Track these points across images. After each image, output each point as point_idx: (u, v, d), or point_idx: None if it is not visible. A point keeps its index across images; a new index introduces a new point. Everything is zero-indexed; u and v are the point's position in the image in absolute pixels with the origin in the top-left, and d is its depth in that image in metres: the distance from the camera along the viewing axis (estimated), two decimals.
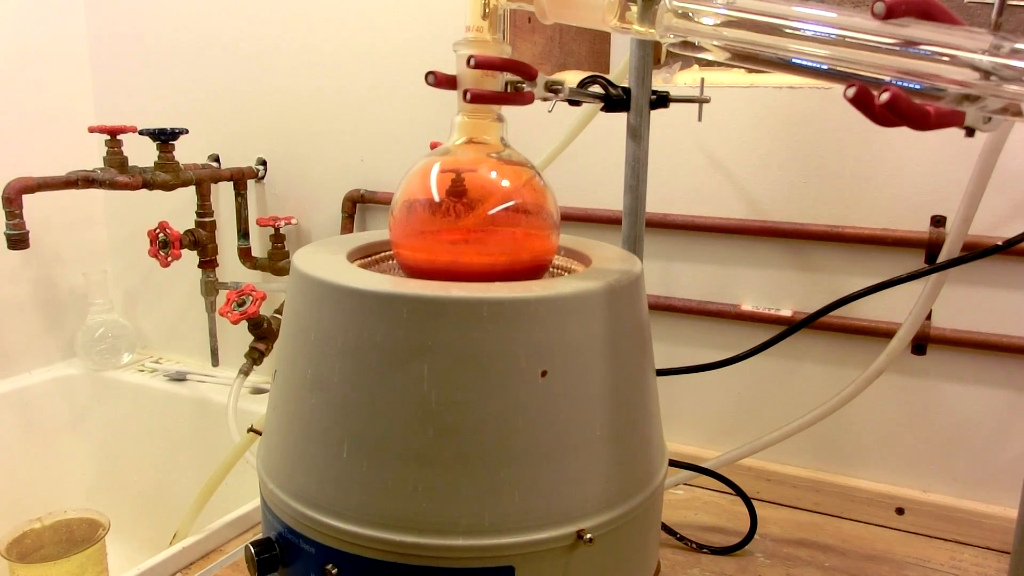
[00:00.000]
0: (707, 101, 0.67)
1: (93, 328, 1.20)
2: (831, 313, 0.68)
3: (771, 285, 0.81)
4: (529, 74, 0.47)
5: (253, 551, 0.44)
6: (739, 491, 0.73)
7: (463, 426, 0.40)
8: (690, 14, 0.38)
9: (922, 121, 0.31)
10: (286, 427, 0.45)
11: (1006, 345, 0.72)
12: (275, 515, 0.45)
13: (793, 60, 0.35)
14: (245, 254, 1.10)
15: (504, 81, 0.47)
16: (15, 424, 1.13)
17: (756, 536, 0.73)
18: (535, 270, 0.48)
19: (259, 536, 0.46)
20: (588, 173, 0.88)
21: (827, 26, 0.33)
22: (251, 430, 0.83)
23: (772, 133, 0.78)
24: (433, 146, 0.84)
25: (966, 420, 0.75)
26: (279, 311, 1.04)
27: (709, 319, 0.85)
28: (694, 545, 0.73)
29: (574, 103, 0.61)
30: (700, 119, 0.70)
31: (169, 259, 0.99)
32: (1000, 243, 0.61)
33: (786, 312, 0.81)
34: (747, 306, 0.82)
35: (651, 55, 0.62)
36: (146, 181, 0.93)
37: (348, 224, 1.03)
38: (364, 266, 0.50)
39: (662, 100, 0.63)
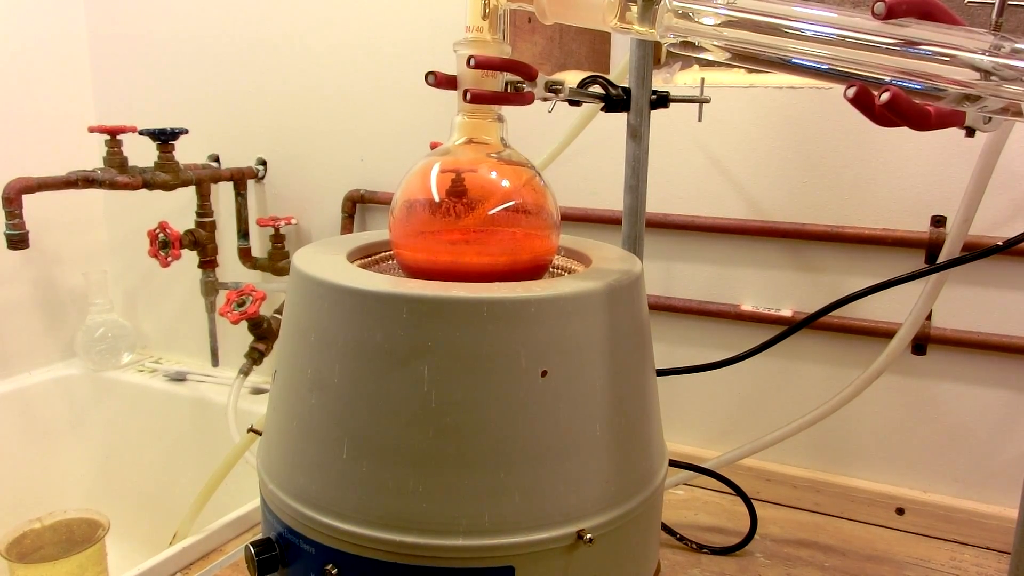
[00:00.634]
0: (707, 101, 0.67)
1: (93, 328, 1.20)
2: (831, 313, 0.68)
3: (771, 285, 0.81)
4: (529, 74, 0.47)
5: (253, 551, 0.44)
6: (739, 491, 0.73)
7: (463, 426, 0.40)
8: (690, 14, 0.38)
9: (922, 121, 0.31)
10: (286, 427, 0.45)
11: (1006, 345, 0.72)
12: (275, 515, 0.45)
13: (793, 60, 0.35)
14: (245, 254, 1.10)
15: (504, 81, 0.47)
16: (15, 424, 1.13)
17: (756, 536, 0.73)
18: (535, 270, 0.48)
19: (259, 536, 0.46)
20: (588, 173, 0.88)
21: (827, 26, 0.33)
22: (251, 430, 0.83)
23: (772, 133, 0.78)
24: (433, 146, 0.84)
25: (966, 420, 0.75)
26: (279, 311, 1.04)
27: (709, 319, 0.85)
28: (694, 545, 0.73)
29: (574, 103, 0.61)
30: (700, 119, 0.70)
31: (169, 259, 0.99)
32: (1000, 243, 0.61)
33: (786, 312, 0.81)
34: (747, 306, 0.82)
35: (651, 55, 0.62)
36: (146, 181, 0.93)
37: (348, 224, 1.03)
38: (364, 266, 0.50)
39: (662, 100, 0.63)
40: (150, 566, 0.68)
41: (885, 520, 0.78)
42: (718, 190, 0.82)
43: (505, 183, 0.48)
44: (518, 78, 0.47)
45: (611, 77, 0.62)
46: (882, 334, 0.76)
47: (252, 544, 0.45)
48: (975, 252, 0.62)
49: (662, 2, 0.39)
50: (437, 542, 0.40)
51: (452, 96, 0.47)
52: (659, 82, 0.85)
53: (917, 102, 0.31)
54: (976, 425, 0.75)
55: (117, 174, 0.90)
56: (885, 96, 0.30)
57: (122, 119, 1.14)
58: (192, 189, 1.03)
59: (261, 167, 1.10)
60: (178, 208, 1.14)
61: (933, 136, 0.71)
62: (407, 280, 0.43)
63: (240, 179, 1.08)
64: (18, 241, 0.83)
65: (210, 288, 1.06)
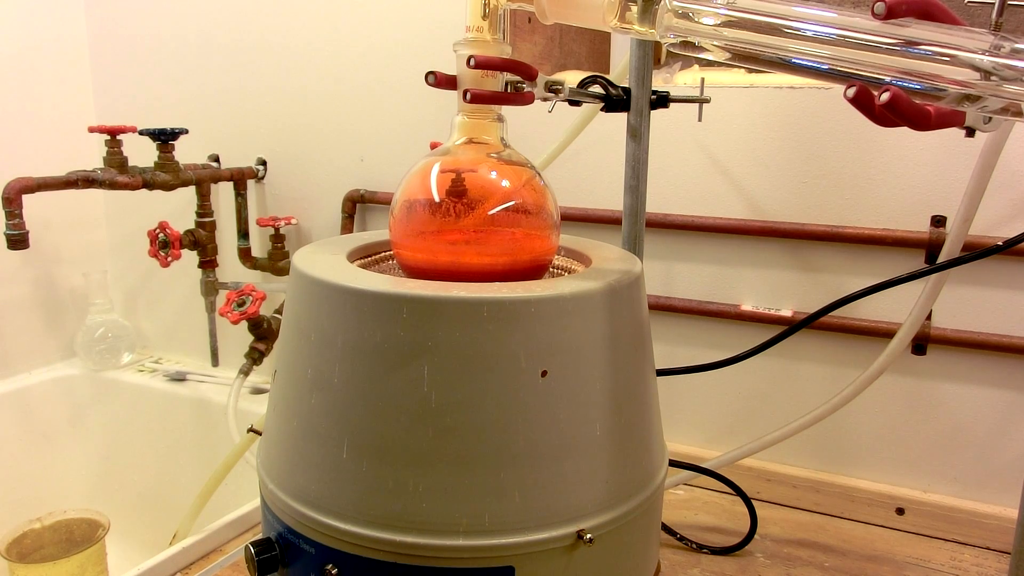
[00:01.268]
0: (707, 101, 0.67)
1: (93, 328, 1.20)
2: (831, 313, 0.68)
3: (771, 285, 0.81)
4: (529, 74, 0.47)
5: (253, 551, 0.44)
6: (739, 491, 0.73)
7: (463, 426, 0.40)
8: (690, 14, 0.38)
9: (922, 121, 0.31)
10: (286, 427, 0.45)
11: (1006, 345, 0.72)
12: (275, 515, 0.45)
13: (793, 60, 0.35)
14: (245, 254, 1.10)
15: (504, 81, 0.47)
16: (15, 424, 1.13)
17: (756, 536, 0.73)
18: (535, 270, 0.48)
19: (259, 536, 0.46)
20: (588, 173, 0.88)
21: (827, 26, 0.33)
22: (251, 430, 0.83)
23: (772, 133, 0.78)
24: (433, 146, 0.84)
25: (966, 420, 0.75)
26: (279, 311, 1.05)
27: (709, 319, 0.85)
28: (694, 545, 0.73)
29: (574, 103, 0.61)
30: (700, 119, 0.70)
31: (169, 259, 0.99)
32: (1000, 243, 0.61)
33: (786, 312, 0.81)
34: (747, 306, 0.82)
35: (651, 55, 0.62)
36: (146, 181, 0.93)
37: (348, 224, 1.03)
38: (364, 266, 0.50)
39: (662, 100, 0.63)
40: (150, 566, 0.68)
41: (885, 520, 0.78)
42: (718, 190, 0.82)
43: (505, 183, 0.48)
44: (518, 78, 0.47)
45: (611, 77, 0.62)
46: (882, 334, 0.76)
47: (252, 544, 0.45)
48: (975, 252, 0.62)
49: (662, 2, 0.39)
50: (437, 542, 0.40)
51: (452, 96, 0.47)
52: (659, 82, 0.85)
53: (917, 102, 0.31)
54: (976, 425, 0.75)
55: (117, 174, 0.90)
56: (885, 96, 0.30)
57: (122, 119, 1.14)
58: (192, 189, 1.03)
59: (261, 167, 1.10)
60: (178, 208, 1.14)
61: (933, 136, 0.71)
62: (407, 280, 0.43)
63: (240, 179, 1.08)
64: (18, 241, 0.83)
65: (210, 288, 1.06)
